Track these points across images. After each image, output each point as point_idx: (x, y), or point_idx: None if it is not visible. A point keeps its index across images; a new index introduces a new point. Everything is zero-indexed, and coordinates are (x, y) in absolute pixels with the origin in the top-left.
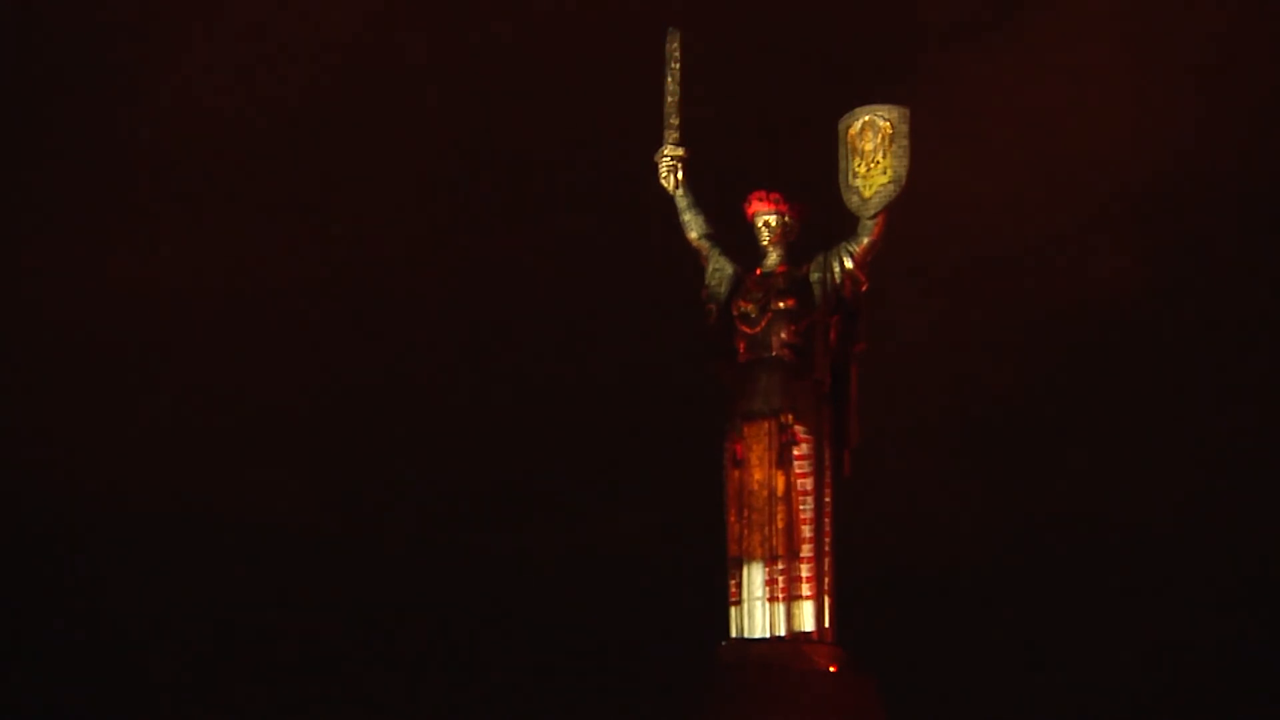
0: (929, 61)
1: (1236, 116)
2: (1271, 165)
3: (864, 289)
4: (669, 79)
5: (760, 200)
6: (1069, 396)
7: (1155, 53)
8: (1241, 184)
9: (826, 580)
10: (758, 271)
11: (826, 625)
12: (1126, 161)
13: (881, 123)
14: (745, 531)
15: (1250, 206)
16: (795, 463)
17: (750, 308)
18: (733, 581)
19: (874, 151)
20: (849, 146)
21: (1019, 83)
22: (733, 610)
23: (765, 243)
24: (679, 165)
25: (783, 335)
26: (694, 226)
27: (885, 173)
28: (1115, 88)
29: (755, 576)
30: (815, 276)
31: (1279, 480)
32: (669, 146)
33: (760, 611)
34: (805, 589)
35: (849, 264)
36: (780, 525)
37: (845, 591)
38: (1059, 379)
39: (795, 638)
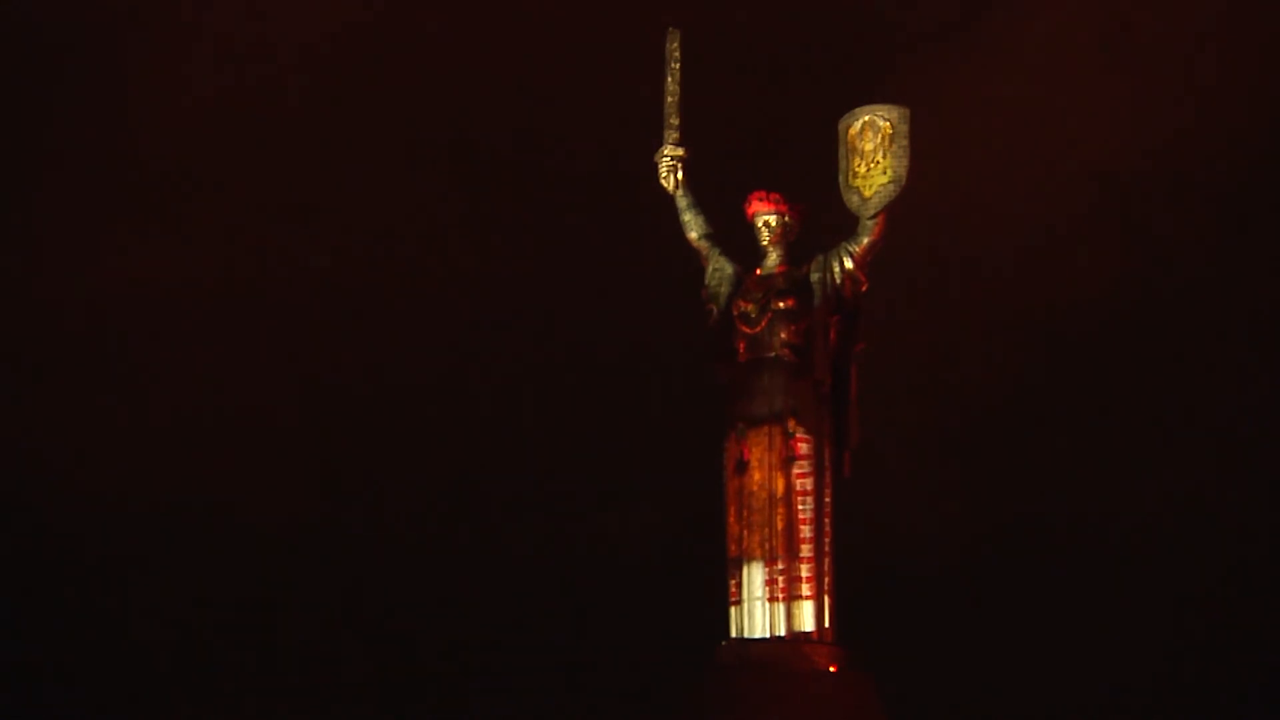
0: (908, 63)
1: (1220, 114)
2: (1257, 163)
3: (864, 289)
4: (669, 79)
5: (760, 200)
6: (1068, 396)
7: (1138, 51)
8: (1227, 183)
9: (826, 580)
10: (758, 272)
11: (826, 625)
12: (1110, 162)
13: (882, 123)
14: (745, 532)
15: (1237, 206)
16: (795, 463)
17: (750, 308)
18: (733, 581)
19: (874, 151)
20: (849, 146)
21: (999, 84)
22: (733, 610)
23: (765, 243)
24: (679, 165)
25: (783, 335)
26: (694, 227)
27: (885, 173)
28: (1097, 88)
29: (755, 577)
30: (815, 277)
31: (1268, 480)
32: (669, 146)
33: (760, 611)
34: (805, 589)
35: (849, 264)
36: (780, 526)
37: (845, 591)
38: (1056, 378)
39: (795, 638)
